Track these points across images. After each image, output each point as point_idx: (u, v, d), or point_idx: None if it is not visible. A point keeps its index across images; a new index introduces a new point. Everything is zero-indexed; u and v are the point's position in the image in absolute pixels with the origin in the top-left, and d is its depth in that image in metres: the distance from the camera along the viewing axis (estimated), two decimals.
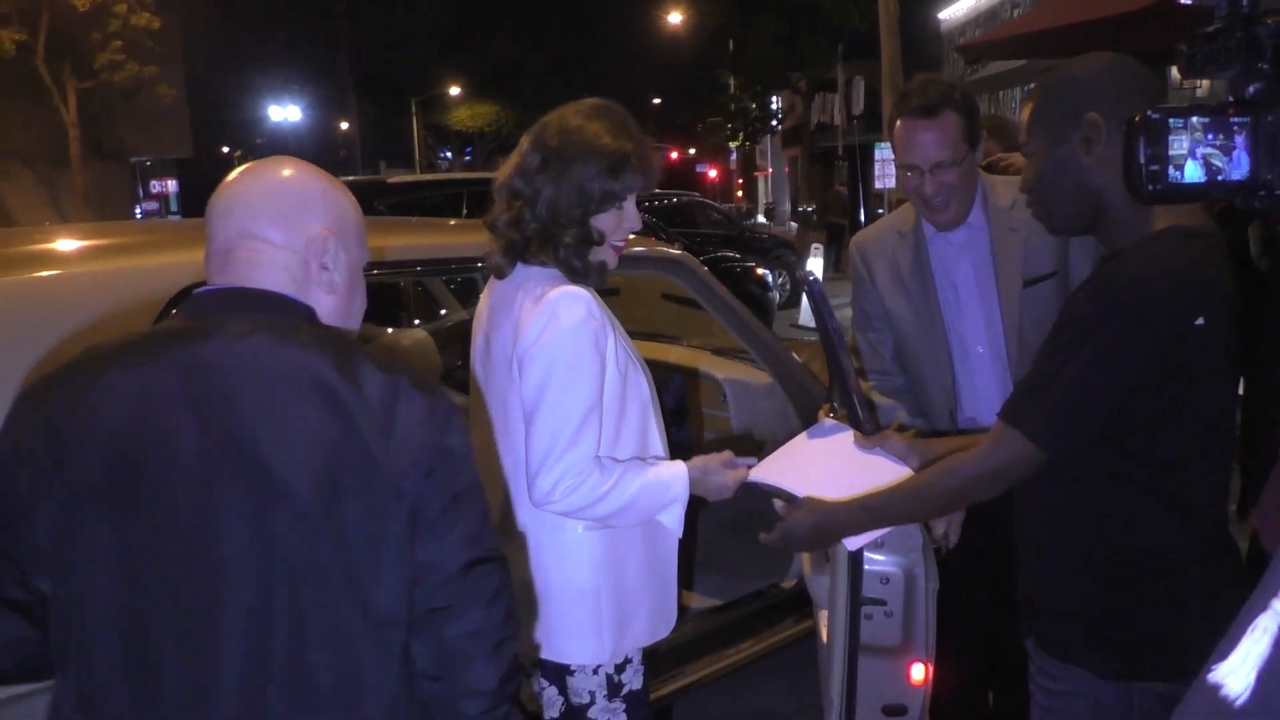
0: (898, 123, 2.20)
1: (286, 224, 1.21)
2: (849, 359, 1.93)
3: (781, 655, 3.03)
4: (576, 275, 1.72)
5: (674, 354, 3.83)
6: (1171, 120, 1.30)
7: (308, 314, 1.21)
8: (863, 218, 12.99)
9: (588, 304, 1.68)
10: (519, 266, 1.75)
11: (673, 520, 1.79)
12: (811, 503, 1.75)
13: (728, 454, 1.88)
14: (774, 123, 32.30)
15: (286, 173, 1.25)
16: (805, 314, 11.47)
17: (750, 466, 1.91)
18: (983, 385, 2.29)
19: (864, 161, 15.03)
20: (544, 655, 1.80)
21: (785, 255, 13.66)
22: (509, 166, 1.76)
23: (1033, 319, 2.20)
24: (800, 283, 12.01)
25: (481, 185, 5.73)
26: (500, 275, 1.77)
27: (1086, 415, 1.46)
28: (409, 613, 1.14)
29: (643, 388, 1.82)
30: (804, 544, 1.87)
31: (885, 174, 12.86)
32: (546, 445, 1.63)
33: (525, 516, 1.78)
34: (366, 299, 1.34)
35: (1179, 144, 1.30)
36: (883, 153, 13.00)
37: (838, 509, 1.72)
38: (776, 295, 11.53)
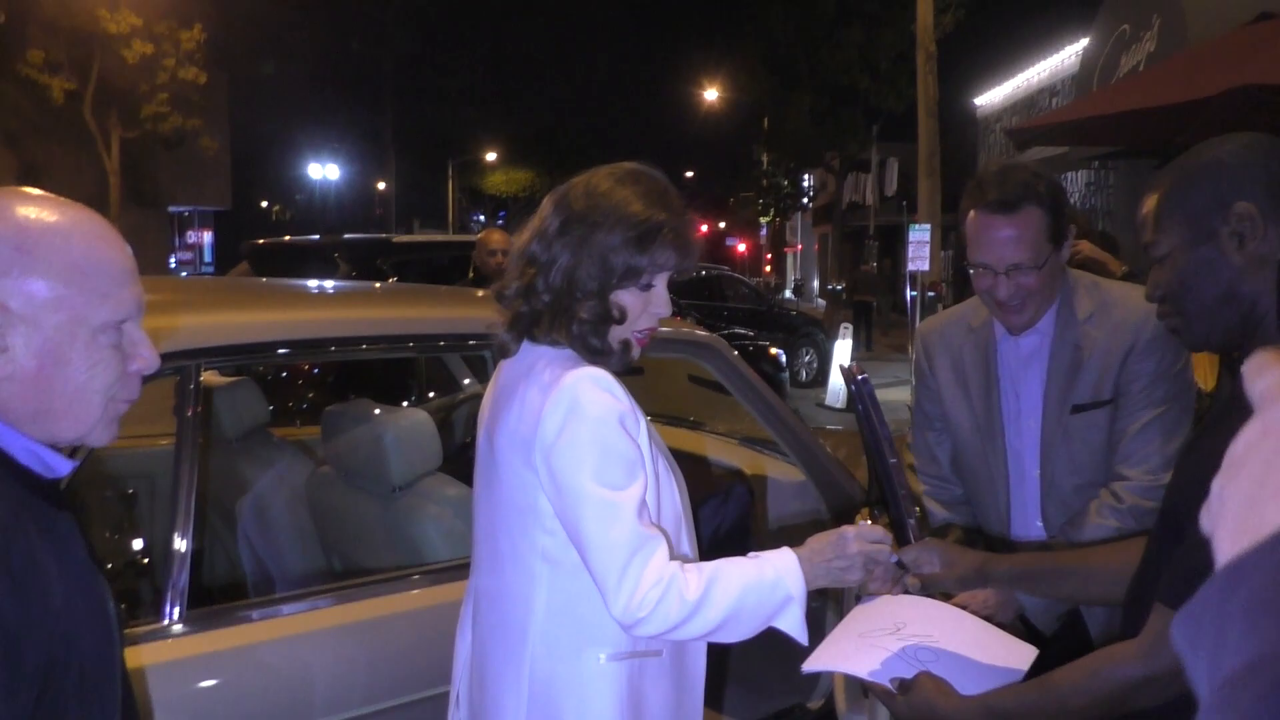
0: (971, 214, 1.94)
1: None
2: (901, 473, 1.70)
3: None
4: (596, 355, 1.48)
5: (698, 443, 3.62)
6: None
7: None
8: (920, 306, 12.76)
9: (610, 385, 1.44)
10: (527, 345, 1.52)
11: (793, 625, 1.42)
12: (926, 686, 1.38)
13: (849, 528, 1.53)
14: (805, 200, 32.42)
15: None
16: (832, 394, 11.25)
17: (886, 543, 1.55)
18: (1034, 514, 2.03)
19: (896, 243, 14.90)
20: None
21: (814, 334, 13.48)
22: (528, 230, 1.53)
23: (1069, 451, 1.96)
24: (827, 359, 11.84)
25: None
26: (506, 353, 1.54)
27: None
28: None
29: (675, 495, 1.56)
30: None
31: (919, 256, 12.68)
32: (618, 557, 1.35)
33: (533, 641, 1.49)
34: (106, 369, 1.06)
35: None
36: (917, 235, 12.84)
37: (958, 710, 1.35)
38: (787, 375, 11.39)
